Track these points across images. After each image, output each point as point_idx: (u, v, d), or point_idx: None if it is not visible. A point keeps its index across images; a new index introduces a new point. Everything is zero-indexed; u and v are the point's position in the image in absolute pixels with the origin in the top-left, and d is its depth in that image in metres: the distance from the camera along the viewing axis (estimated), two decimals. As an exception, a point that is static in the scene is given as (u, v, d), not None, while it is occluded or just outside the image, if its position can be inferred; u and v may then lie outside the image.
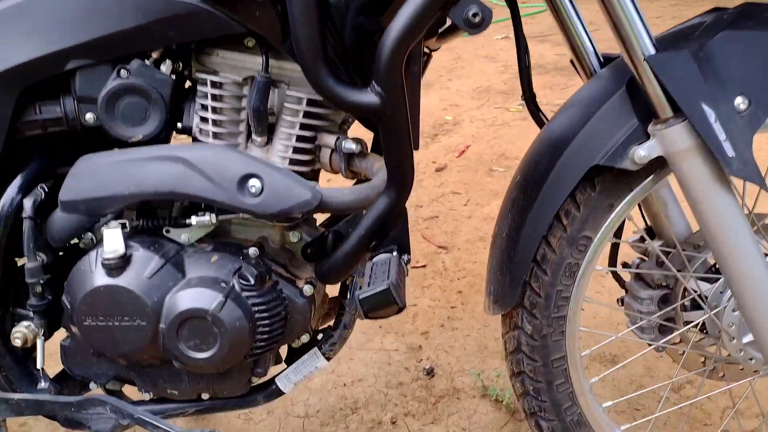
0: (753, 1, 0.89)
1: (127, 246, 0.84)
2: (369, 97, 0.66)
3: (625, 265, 1.16)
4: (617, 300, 1.18)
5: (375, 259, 0.68)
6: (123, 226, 0.86)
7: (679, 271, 1.05)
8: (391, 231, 0.79)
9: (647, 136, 0.86)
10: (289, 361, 0.99)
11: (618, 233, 1.10)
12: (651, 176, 0.92)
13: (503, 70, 3.72)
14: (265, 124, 0.86)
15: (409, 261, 0.78)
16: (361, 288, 0.74)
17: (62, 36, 0.79)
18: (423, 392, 1.52)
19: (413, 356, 1.63)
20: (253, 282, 0.84)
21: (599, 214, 0.94)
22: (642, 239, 1.13)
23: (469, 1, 0.65)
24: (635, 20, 0.81)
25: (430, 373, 1.57)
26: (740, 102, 0.80)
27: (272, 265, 0.90)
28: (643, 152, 0.85)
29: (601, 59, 1.03)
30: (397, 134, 0.68)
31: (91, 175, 0.83)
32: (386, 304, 0.71)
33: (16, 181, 0.86)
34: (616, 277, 1.17)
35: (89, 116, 0.84)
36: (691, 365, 1.14)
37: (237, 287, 0.84)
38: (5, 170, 0.86)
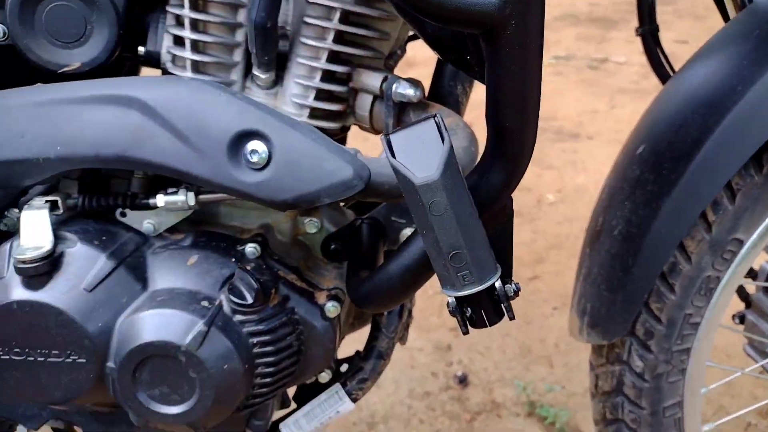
0: None
1: (57, 238, 0.54)
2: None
3: (750, 272, 0.87)
4: (733, 317, 0.89)
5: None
6: (53, 205, 0.56)
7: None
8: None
9: None
10: (299, 399, 0.70)
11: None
12: None
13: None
14: (273, 52, 0.56)
15: (517, 293, 0.48)
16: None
17: None
18: (455, 406, 1.24)
19: (441, 358, 1.35)
20: (250, 299, 0.54)
21: (760, 207, 0.64)
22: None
23: None
24: None
25: (463, 381, 1.29)
26: None
27: (279, 269, 0.60)
28: None
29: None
30: (522, 68, 0.37)
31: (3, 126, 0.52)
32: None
33: None
34: (739, 289, 0.87)
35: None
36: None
37: (226, 307, 0.55)
38: None
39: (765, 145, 0.60)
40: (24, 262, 0.52)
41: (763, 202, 0.64)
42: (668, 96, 0.68)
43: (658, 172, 0.64)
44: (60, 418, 0.66)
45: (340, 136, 0.65)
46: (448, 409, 1.24)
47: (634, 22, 0.88)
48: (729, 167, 0.61)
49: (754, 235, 0.66)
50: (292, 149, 0.46)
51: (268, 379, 0.57)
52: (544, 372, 1.31)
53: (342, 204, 0.67)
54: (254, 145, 0.47)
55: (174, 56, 0.59)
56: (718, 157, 0.61)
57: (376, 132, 0.63)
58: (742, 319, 0.87)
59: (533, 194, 1.93)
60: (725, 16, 0.74)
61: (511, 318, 0.48)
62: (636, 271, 0.65)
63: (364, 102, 0.60)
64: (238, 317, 0.55)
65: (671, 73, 0.80)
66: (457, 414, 1.23)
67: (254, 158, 0.47)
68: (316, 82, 0.58)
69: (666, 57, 0.80)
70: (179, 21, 0.58)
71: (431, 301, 1.49)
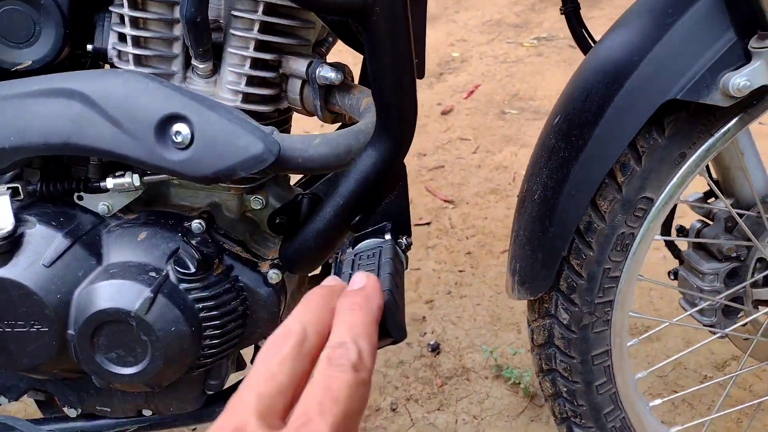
0: None
1: (18, 220, 0.61)
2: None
3: (681, 231, 0.93)
4: (668, 273, 0.95)
5: (359, 247, 0.45)
6: (14, 191, 0.62)
7: (755, 237, 0.82)
8: (383, 199, 0.54)
9: (747, 58, 0.61)
10: (257, 361, 0.77)
11: (678, 191, 0.86)
12: (741, 115, 0.68)
13: (516, 1, 3.38)
14: (207, 44, 0.62)
15: (409, 246, 0.54)
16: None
17: None
18: (427, 372, 1.31)
19: (416, 329, 1.42)
20: (193, 269, 0.61)
21: (666, 167, 0.70)
22: (706, 197, 0.89)
23: None
24: None
25: (436, 349, 1.36)
26: None
27: (224, 242, 0.66)
28: (741, 81, 0.60)
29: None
30: (392, 48, 0.43)
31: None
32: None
33: None
34: (670, 246, 0.93)
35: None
36: (760, 354, 0.92)
37: (172, 277, 0.61)
38: None
39: (664, 109, 0.66)
40: (-12, 242, 0.58)
41: (668, 162, 0.70)
42: (581, 69, 0.74)
43: (569, 139, 0.69)
44: (36, 388, 0.73)
45: (279, 119, 0.71)
46: (421, 376, 1.30)
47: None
48: (628, 130, 0.66)
49: (663, 194, 0.72)
50: (211, 129, 0.52)
51: (216, 341, 0.64)
52: (512, 337, 1.37)
53: (288, 179, 0.73)
54: (178, 127, 0.53)
55: (119, 52, 0.64)
56: (618, 121, 0.66)
57: (310, 114, 0.69)
58: (675, 275, 0.93)
59: (509, 172, 1.98)
60: None
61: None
62: (553, 231, 0.71)
63: (293, 86, 0.66)
64: (184, 285, 0.61)
65: (593, 44, 0.85)
66: (429, 380, 1.30)
67: (179, 138, 0.53)
68: (247, 69, 0.64)
69: (589, 33, 0.85)
70: (122, 19, 0.63)
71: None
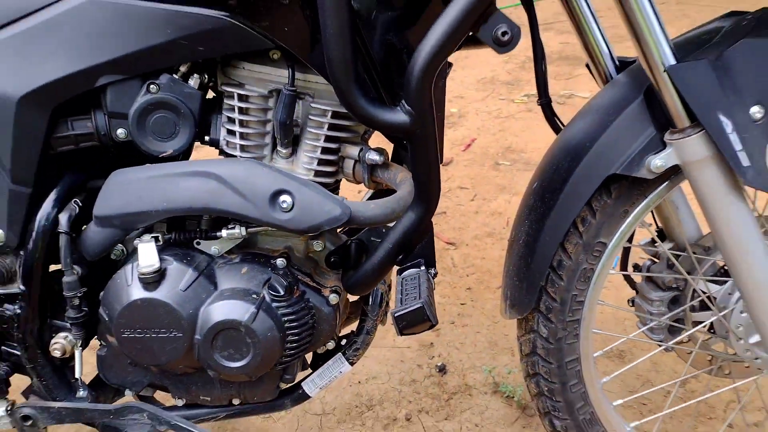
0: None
1: (160, 259, 0.87)
2: (400, 116, 0.68)
3: (636, 267, 1.20)
4: (628, 301, 1.21)
5: (404, 274, 0.71)
6: (156, 239, 0.89)
7: (688, 273, 1.08)
8: (417, 244, 0.82)
9: (663, 145, 0.89)
10: (314, 366, 1.02)
11: (630, 237, 1.13)
12: (666, 183, 0.95)
13: (507, 60, 3.72)
14: (290, 137, 0.89)
15: (435, 275, 0.81)
16: (390, 303, 0.77)
17: (92, 52, 0.80)
18: (436, 389, 1.56)
19: (425, 353, 1.67)
20: (282, 293, 0.87)
21: (614, 220, 0.97)
22: (653, 242, 1.17)
23: (498, 19, 0.66)
24: (655, 29, 0.82)
25: (442, 370, 1.60)
26: (756, 111, 0.82)
27: (299, 274, 0.93)
28: (659, 162, 0.88)
29: (617, 63, 1.05)
30: (425, 151, 0.70)
31: (124, 191, 0.86)
32: (420, 321, 0.74)
33: (52, 196, 0.88)
34: (628, 279, 1.20)
35: (120, 132, 0.86)
36: (698, 364, 1.18)
37: (267, 298, 0.87)
38: (41, 185, 0.88)
39: (610, 179, 0.93)
40: (144, 274, 0.85)
41: (616, 216, 0.97)
42: (554, 146, 1.01)
43: (543, 200, 0.97)
44: (154, 384, 0.98)
45: (334, 186, 0.99)
46: (431, 392, 1.55)
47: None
48: (584, 194, 0.94)
49: (614, 239, 0.99)
50: (306, 199, 0.80)
51: (294, 344, 0.89)
52: (507, 359, 1.62)
53: (338, 230, 1.00)
54: (284, 197, 0.80)
55: (228, 141, 0.92)
56: (577, 188, 0.94)
57: (358, 183, 0.97)
58: (632, 302, 1.19)
59: (503, 217, 2.26)
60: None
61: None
62: (533, 266, 0.98)
63: (348, 165, 0.94)
64: (275, 304, 0.87)
65: (563, 126, 1.13)
66: (437, 395, 1.54)
67: (284, 205, 0.80)
68: (318, 154, 0.91)
69: (559, 120, 1.14)
70: (230, 119, 0.91)
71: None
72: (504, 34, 0.67)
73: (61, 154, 0.89)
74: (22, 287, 0.88)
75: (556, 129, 1.13)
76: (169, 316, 0.85)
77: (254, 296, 0.87)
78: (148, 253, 0.86)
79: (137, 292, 0.85)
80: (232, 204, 0.81)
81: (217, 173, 0.82)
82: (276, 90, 0.88)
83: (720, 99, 0.81)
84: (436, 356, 1.66)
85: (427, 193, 0.74)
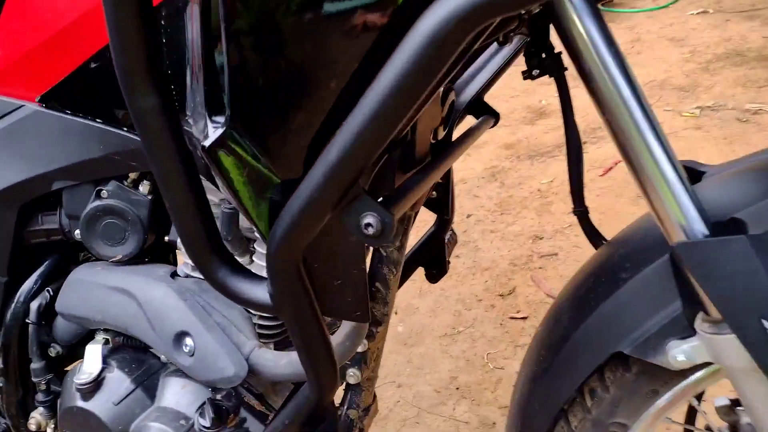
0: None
1: (105, 364, 0.85)
2: (261, 294, 0.55)
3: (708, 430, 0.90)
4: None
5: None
6: (106, 341, 0.87)
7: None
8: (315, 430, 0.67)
9: (693, 330, 0.62)
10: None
11: (699, 395, 0.85)
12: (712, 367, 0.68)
13: (689, 58, 3.14)
14: (243, 246, 0.80)
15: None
16: None
17: (45, 159, 0.81)
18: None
19: (484, 432, 1.49)
20: (208, 424, 0.79)
21: (637, 399, 0.72)
22: (732, 407, 0.86)
23: (364, 206, 0.48)
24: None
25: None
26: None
27: (246, 396, 0.84)
28: (682, 355, 0.62)
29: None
30: (301, 333, 0.56)
31: (76, 291, 0.85)
32: None
33: (26, 285, 0.91)
34: (693, 440, 0.91)
35: (77, 233, 0.85)
36: None
37: (196, 426, 0.80)
38: (17, 273, 0.91)
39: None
40: (81, 384, 0.83)
41: (639, 394, 0.72)
42: (583, 270, 0.79)
43: (551, 348, 0.76)
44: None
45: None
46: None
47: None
48: (589, 362, 0.71)
49: (638, 420, 0.74)
50: (205, 349, 0.70)
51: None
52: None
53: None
54: (188, 340, 0.72)
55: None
56: (584, 350, 0.71)
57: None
58: (698, 470, 0.90)
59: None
60: None
61: None
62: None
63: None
64: (203, 434, 0.80)
65: (604, 242, 0.87)
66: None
67: (187, 349, 0.72)
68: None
69: (598, 232, 0.88)
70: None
71: (490, 375, 1.62)
72: (368, 226, 0.49)
73: (37, 245, 0.90)
74: (1, 365, 0.93)
75: (596, 243, 0.87)
76: (100, 430, 0.83)
77: (182, 423, 0.81)
78: (91, 358, 0.84)
79: (73, 399, 0.84)
80: (146, 335, 0.75)
81: (137, 296, 0.76)
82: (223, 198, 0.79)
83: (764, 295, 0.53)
84: (496, 438, 1.47)
85: (316, 378, 0.59)
